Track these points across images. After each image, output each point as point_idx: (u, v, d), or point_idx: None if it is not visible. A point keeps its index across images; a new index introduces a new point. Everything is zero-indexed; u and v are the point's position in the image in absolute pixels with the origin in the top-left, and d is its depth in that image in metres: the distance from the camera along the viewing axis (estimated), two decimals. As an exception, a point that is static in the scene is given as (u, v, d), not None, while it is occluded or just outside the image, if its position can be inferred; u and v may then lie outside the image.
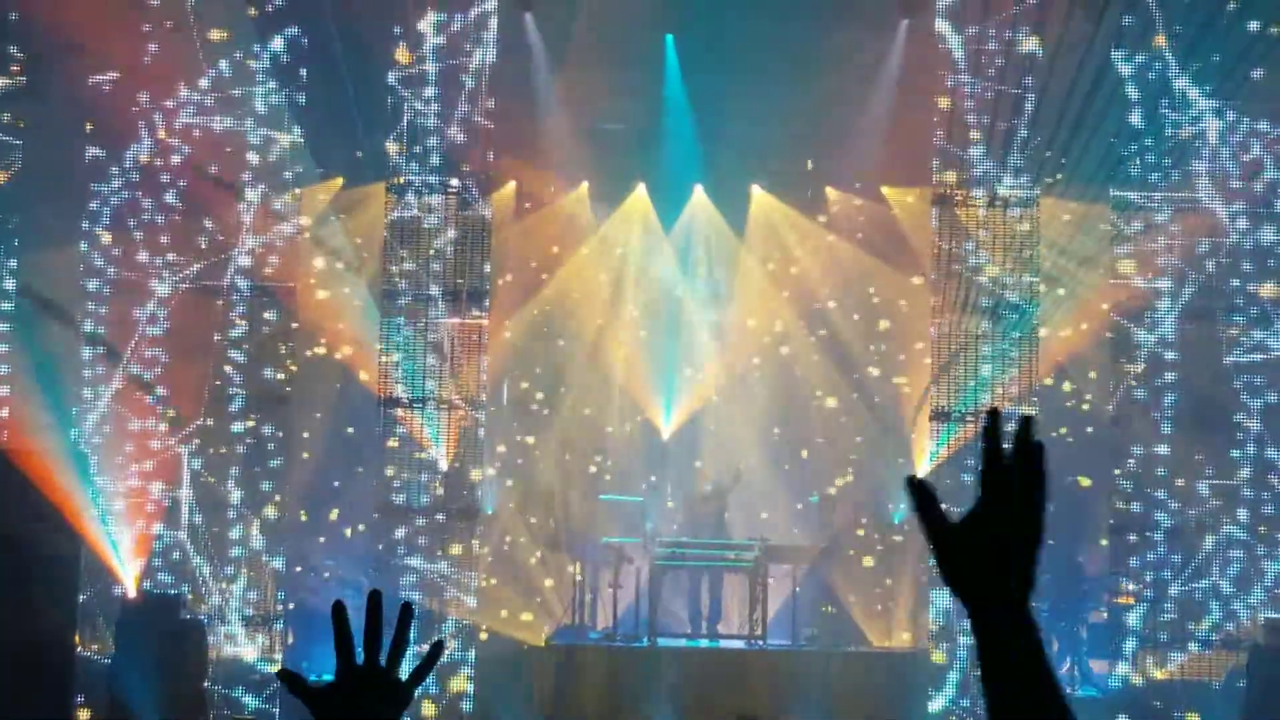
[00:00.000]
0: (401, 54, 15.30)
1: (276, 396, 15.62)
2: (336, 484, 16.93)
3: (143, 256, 15.39)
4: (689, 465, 17.84)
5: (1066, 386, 16.88)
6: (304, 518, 16.62)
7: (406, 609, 2.47)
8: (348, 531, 16.89)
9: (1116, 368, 15.54)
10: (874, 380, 17.61)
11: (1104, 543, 15.93)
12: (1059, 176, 15.78)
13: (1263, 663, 14.11)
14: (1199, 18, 15.08)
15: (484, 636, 15.41)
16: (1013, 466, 1.93)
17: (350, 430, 16.89)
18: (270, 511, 15.47)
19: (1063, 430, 16.50)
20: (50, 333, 15.30)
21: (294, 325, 15.83)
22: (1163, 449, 15.24)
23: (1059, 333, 16.46)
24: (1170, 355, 15.33)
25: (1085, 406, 16.84)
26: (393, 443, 15.28)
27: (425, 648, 2.60)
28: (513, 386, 17.46)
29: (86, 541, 14.31)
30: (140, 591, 14.79)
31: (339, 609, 2.40)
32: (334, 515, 16.94)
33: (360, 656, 2.39)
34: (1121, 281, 15.49)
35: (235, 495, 15.35)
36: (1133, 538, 15.24)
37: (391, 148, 15.43)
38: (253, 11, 15.41)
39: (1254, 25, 15.00)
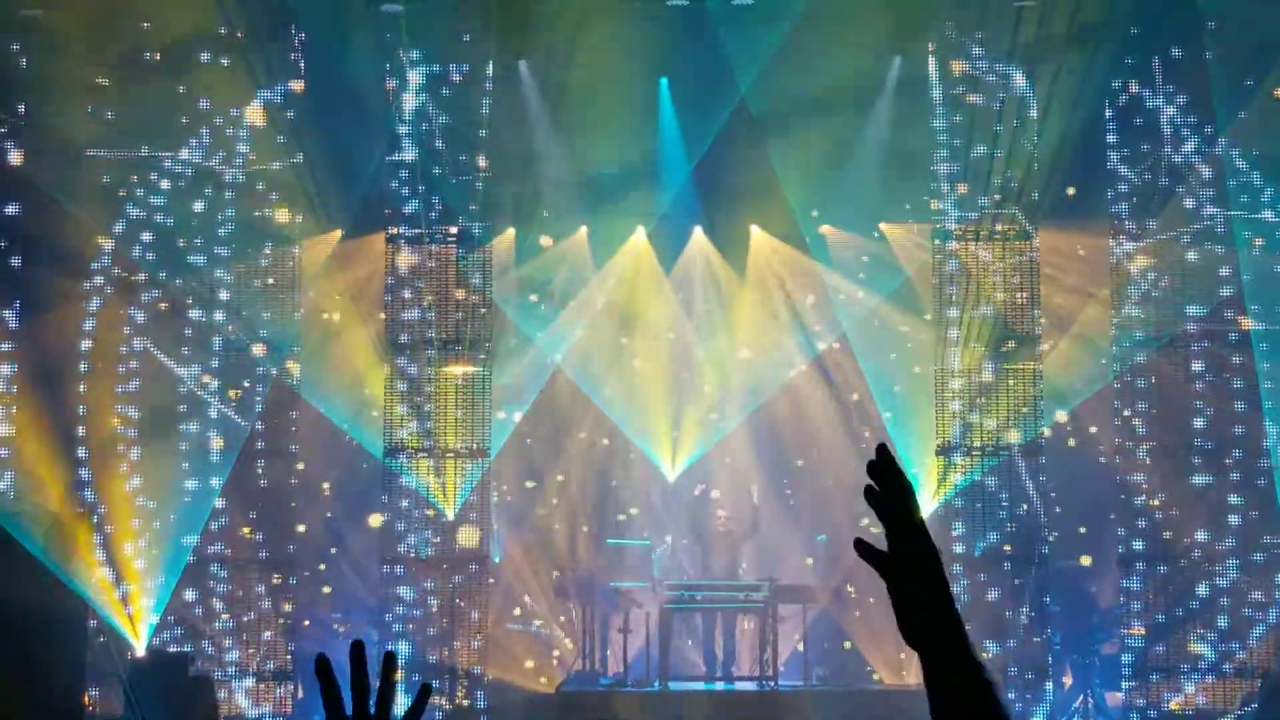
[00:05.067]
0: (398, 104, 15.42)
1: (280, 448, 15.63)
2: (341, 535, 16.92)
3: (143, 313, 15.46)
4: (697, 506, 17.76)
5: (1062, 418, 16.82)
6: (309, 570, 16.57)
7: (390, 657, 2.49)
8: (353, 576, 16.86)
9: (1121, 399, 15.50)
10: (878, 416, 17.55)
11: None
12: (1057, 210, 15.83)
13: (1276, 690, 14.04)
14: (1192, 51, 15.21)
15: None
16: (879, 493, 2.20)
17: (354, 480, 16.86)
18: (278, 564, 15.46)
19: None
20: (53, 389, 15.34)
21: (296, 376, 15.84)
22: (1170, 479, 15.21)
23: (1062, 365, 16.45)
24: (1176, 386, 15.31)
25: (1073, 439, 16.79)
26: (397, 492, 15.28)
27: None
28: (516, 432, 17.42)
29: (95, 600, 14.31)
30: (149, 649, 14.76)
31: (322, 663, 2.41)
32: (322, 567, 16.86)
33: (349, 707, 2.41)
34: (1123, 312, 15.49)
35: (240, 548, 15.34)
36: (1142, 568, 15.19)
37: (390, 198, 15.50)
38: (249, 67, 15.51)
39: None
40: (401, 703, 2.38)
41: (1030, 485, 15.29)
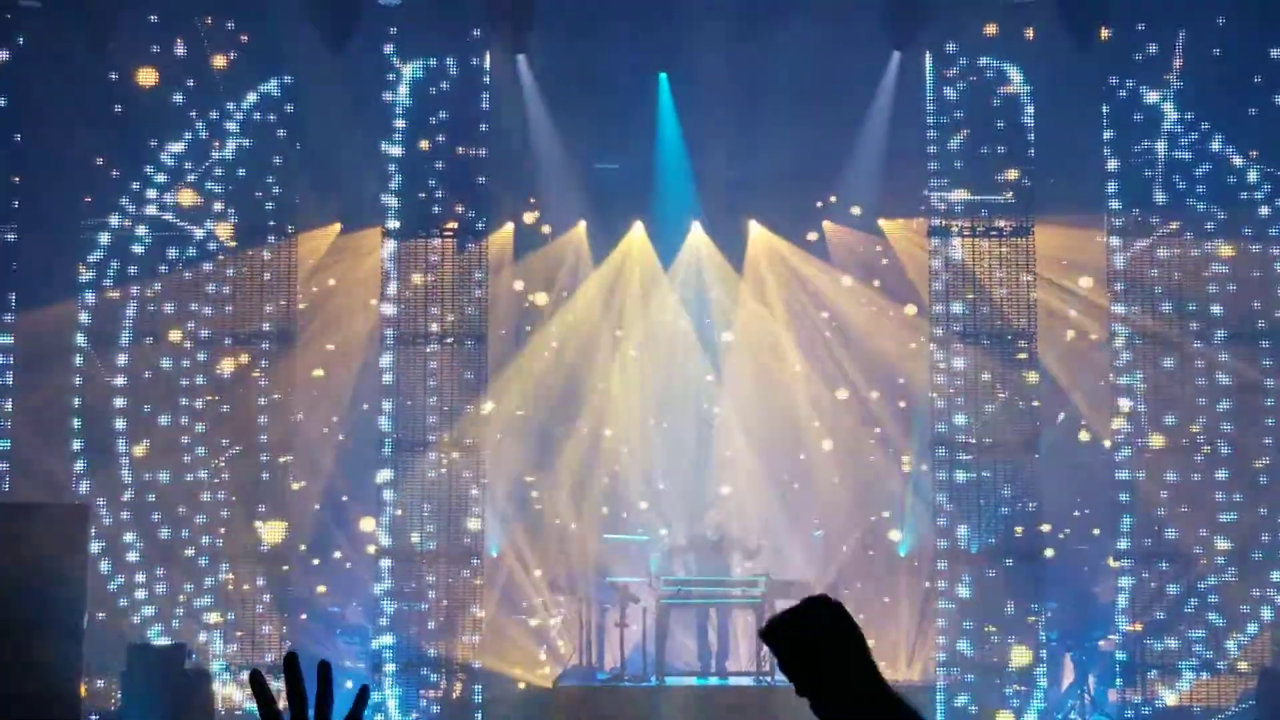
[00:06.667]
0: (396, 97, 15.43)
1: (277, 441, 15.61)
2: (338, 528, 16.90)
3: (140, 304, 15.46)
4: (694, 502, 17.77)
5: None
6: (306, 564, 16.55)
7: (324, 666, 2.51)
8: (350, 571, 16.85)
9: (1118, 394, 15.50)
10: (877, 411, 17.57)
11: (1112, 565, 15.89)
12: (1054, 206, 15.83)
13: (1272, 686, 14.06)
14: (1190, 46, 15.23)
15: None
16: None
17: (351, 474, 16.83)
18: (274, 558, 15.45)
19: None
20: (49, 380, 15.37)
21: (293, 369, 15.83)
22: (1167, 475, 15.23)
23: (1058, 360, 16.45)
24: (1174, 382, 15.32)
25: (1087, 435, 16.77)
26: (394, 486, 15.26)
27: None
28: (513, 426, 17.43)
29: (91, 592, 14.29)
30: (146, 642, 14.74)
31: (256, 677, 2.47)
32: (316, 561, 16.83)
33: (287, 718, 2.44)
34: (1120, 308, 15.50)
35: (237, 541, 15.33)
36: (1141, 565, 15.19)
37: (388, 192, 15.48)
38: (248, 59, 15.52)
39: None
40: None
41: (1028, 481, 15.28)
